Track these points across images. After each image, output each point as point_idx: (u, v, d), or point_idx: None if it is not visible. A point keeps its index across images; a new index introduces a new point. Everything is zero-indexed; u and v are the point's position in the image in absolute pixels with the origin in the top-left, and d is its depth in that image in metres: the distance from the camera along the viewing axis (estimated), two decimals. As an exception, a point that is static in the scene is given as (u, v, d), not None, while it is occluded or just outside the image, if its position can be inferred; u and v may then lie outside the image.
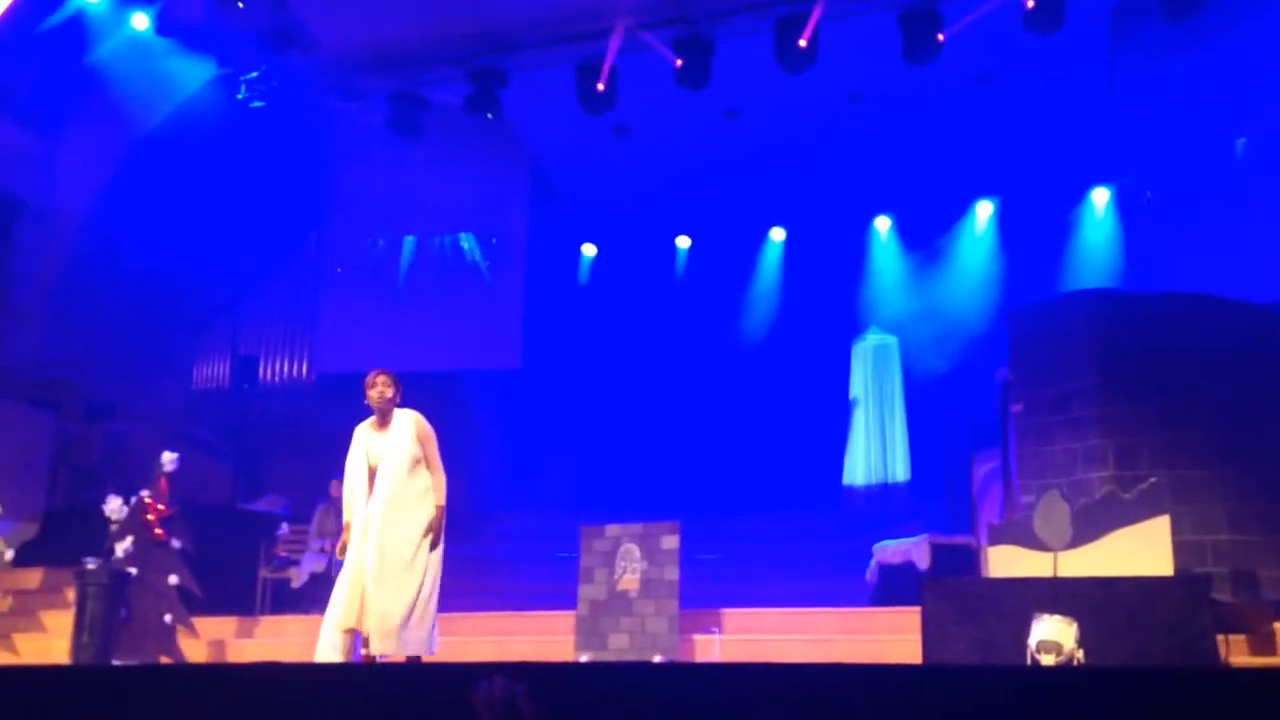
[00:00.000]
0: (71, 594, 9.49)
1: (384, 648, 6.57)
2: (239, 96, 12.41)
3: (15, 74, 12.10)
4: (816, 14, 10.57)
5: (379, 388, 6.86)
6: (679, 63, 11.08)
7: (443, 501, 6.85)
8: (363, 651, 6.67)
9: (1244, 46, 10.71)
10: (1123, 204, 12.88)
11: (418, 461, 6.80)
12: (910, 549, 9.67)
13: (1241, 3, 10.69)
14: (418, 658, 6.65)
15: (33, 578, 10.97)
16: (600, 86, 11.51)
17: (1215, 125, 10.96)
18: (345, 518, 6.87)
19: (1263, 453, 8.32)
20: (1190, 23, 10.27)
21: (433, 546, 6.77)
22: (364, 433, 6.95)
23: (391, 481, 6.73)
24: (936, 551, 9.44)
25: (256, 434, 14.80)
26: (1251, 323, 8.72)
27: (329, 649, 6.74)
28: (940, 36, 10.49)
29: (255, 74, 12.34)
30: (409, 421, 6.86)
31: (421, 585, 6.68)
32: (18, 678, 5.52)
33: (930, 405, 13.21)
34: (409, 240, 14.40)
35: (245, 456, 14.35)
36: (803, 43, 10.68)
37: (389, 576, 6.61)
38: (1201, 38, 10.75)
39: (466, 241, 14.26)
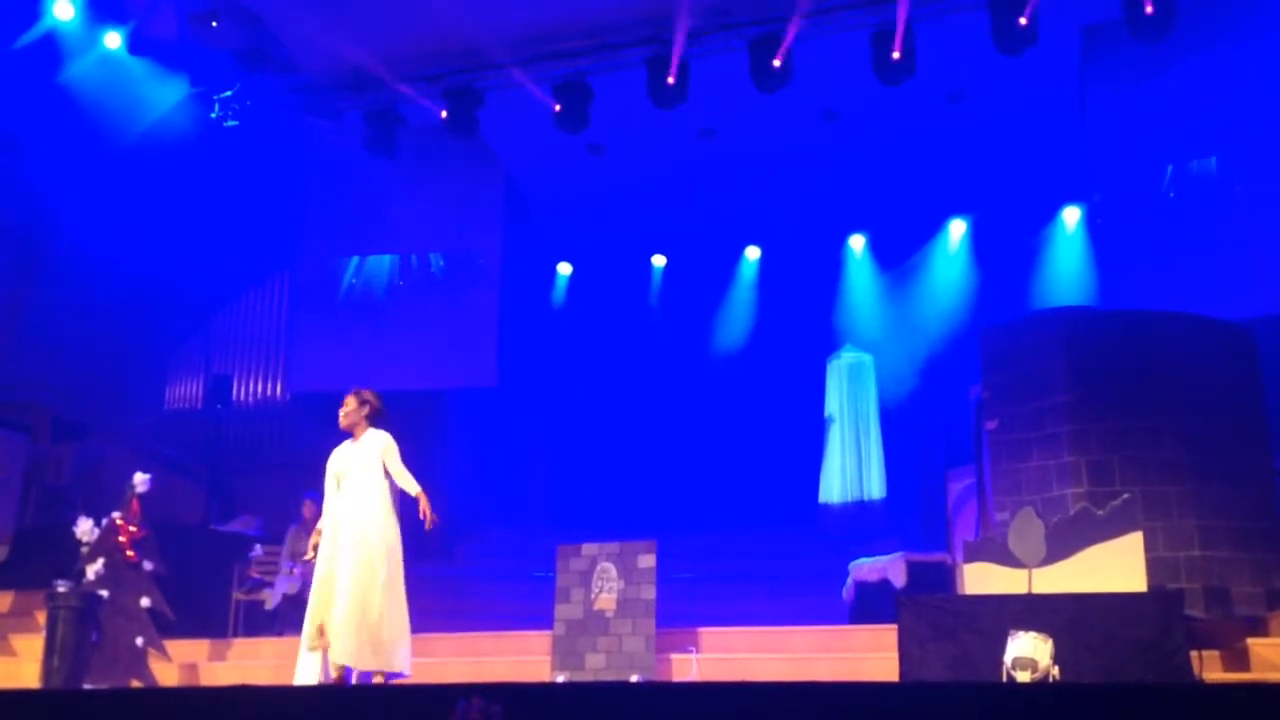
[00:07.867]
0: (42, 617, 9.38)
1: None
2: (213, 115, 12.36)
3: (-14, 92, 12.03)
4: (790, 34, 10.62)
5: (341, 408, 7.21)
6: (671, 80, 11.05)
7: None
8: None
9: (1213, 67, 10.84)
10: (1093, 223, 12.98)
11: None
12: (886, 567, 9.69)
13: (1210, 25, 10.82)
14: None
15: (2, 601, 10.85)
16: (557, 108, 11.54)
17: (1186, 144, 11.07)
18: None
19: (1234, 469, 8.37)
20: (1160, 44, 10.38)
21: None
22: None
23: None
24: (912, 569, 9.46)
25: (229, 454, 14.68)
26: (1222, 340, 8.80)
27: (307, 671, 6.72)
28: (897, 54, 10.53)
29: (229, 93, 12.29)
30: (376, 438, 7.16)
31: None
32: (-14, 703, 5.45)
33: (905, 423, 13.26)
34: (384, 259, 14.36)
35: (218, 477, 14.24)
36: (777, 63, 10.74)
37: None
38: (1171, 58, 10.86)
39: (441, 260, 14.22)
